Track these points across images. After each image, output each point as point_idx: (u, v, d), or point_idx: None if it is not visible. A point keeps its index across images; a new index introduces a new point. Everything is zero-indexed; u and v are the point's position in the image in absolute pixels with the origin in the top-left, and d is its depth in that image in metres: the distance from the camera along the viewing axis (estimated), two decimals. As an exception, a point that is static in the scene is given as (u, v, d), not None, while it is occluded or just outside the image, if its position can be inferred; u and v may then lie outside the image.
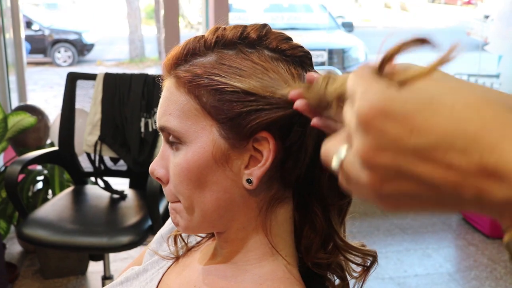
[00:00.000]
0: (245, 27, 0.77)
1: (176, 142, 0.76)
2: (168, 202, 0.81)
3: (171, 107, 0.76)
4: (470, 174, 0.41)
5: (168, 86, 0.77)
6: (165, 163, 0.78)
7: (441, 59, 0.45)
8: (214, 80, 0.73)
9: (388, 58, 0.48)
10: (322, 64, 5.86)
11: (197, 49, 0.76)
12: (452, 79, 0.46)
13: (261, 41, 0.77)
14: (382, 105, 0.43)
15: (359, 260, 0.81)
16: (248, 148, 0.73)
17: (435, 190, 0.43)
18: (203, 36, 0.77)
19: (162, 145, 0.80)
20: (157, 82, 0.82)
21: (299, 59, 0.77)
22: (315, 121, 0.65)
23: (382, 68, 0.48)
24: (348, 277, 0.84)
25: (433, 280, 3.23)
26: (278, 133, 0.73)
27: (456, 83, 0.45)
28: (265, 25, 0.78)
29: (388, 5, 19.25)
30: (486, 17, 5.70)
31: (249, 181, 0.74)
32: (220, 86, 0.72)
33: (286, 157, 0.75)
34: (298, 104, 0.65)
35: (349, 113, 0.47)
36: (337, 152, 0.48)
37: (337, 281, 0.85)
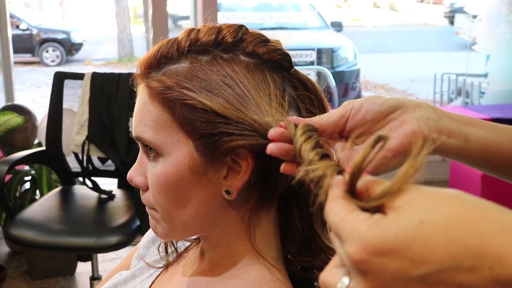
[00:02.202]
0: (219, 30, 0.74)
1: (153, 153, 0.74)
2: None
3: (146, 118, 0.74)
4: None
5: (142, 95, 0.75)
6: (143, 170, 0.77)
7: (413, 169, 0.44)
8: (185, 94, 0.71)
9: (356, 175, 0.48)
10: (311, 63, 5.86)
11: (169, 54, 0.74)
12: (427, 188, 0.45)
13: (237, 46, 0.74)
14: (374, 244, 0.42)
15: None
16: (226, 161, 0.72)
17: None
18: (176, 39, 0.75)
19: (139, 153, 0.79)
20: (131, 86, 0.80)
21: (277, 63, 0.75)
22: (284, 167, 0.64)
23: (354, 187, 0.48)
24: None
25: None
26: (257, 153, 0.71)
27: (434, 192, 0.44)
28: (241, 26, 0.76)
29: (377, 4, 19.31)
30: (474, 17, 5.72)
31: (228, 192, 0.73)
32: (190, 102, 0.71)
33: (266, 175, 0.74)
34: (273, 149, 0.63)
35: (341, 251, 0.46)
36: (339, 283, 0.47)
37: None
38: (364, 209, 0.46)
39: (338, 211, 0.47)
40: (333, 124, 0.67)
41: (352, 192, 0.48)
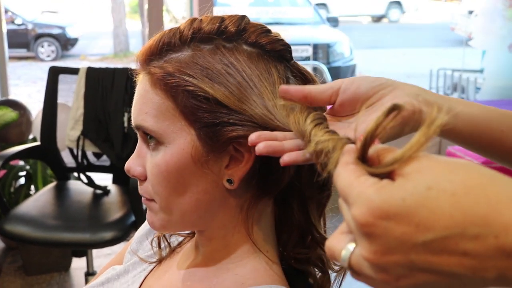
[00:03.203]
0: (222, 19, 0.74)
1: (153, 141, 0.73)
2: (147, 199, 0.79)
3: (147, 106, 0.73)
4: (488, 258, 0.40)
5: (142, 83, 0.74)
6: (142, 161, 0.76)
7: (425, 137, 0.44)
8: (186, 81, 0.70)
9: (369, 142, 0.48)
10: (307, 58, 5.85)
11: (172, 43, 0.73)
12: (438, 157, 0.45)
13: (240, 35, 0.74)
14: (381, 207, 0.43)
15: None
16: (228, 150, 0.72)
17: (453, 277, 0.42)
18: (178, 28, 0.74)
19: (138, 142, 0.78)
20: (130, 76, 0.79)
21: (279, 54, 0.75)
22: (285, 159, 0.64)
23: (366, 154, 0.48)
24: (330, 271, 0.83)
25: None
26: None
27: (445, 161, 0.44)
28: (243, 17, 0.75)
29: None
30: (470, 12, 5.72)
31: (229, 181, 0.73)
32: (191, 88, 0.70)
33: (269, 164, 0.73)
34: (261, 148, 0.64)
35: (347, 215, 0.46)
36: (344, 249, 0.47)
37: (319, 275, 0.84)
38: (374, 175, 0.46)
39: (347, 176, 0.47)
40: (321, 92, 0.68)
41: (363, 158, 0.48)
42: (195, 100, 0.70)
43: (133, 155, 0.78)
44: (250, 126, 0.69)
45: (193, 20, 0.75)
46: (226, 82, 0.70)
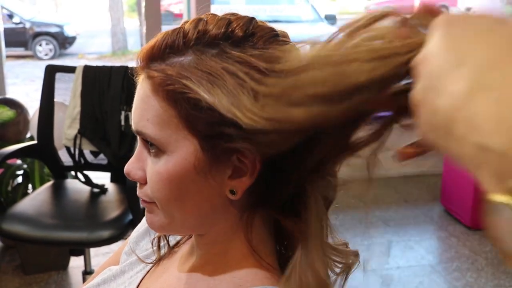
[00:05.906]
0: (229, 22, 0.70)
1: (154, 149, 0.71)
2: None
3: (149, 112, 0.70)
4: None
5: (144, 86, 0.71)
6: (142, 164, 0.74)
7: None
8: (187, 87, 0.66)
9: None
10: (305, 56, 5.82)
11: (175, 45, 0.69)
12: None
13: (247, 40, 0.70)
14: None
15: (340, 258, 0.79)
16: (232, 160, 0.69)
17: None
18: (183, 29, 0.70)
19: (137, 146, 0.75)
20: (130, 75, 0.76)
21: None
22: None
23: None
24: (330, 273, 0.82)
25: (415, 272, 3.24)
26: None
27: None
28: (251, 20, 0.71)
29: (371, -3, 19.28)
30: (468, 9, 5.71)
31: (232, 192, 0.71)
32: (193, 96, 0.66)
33: (272, 178, 0.71)
34: None
35: None
36: None
37: None
38: None
39: None
40: None
41: None
42: (197, 109, 0.67)
43: (132, 158, 0.75)
44: (249, 138, 0.65)
45: (198, 22, 0.71)
46: (226, 87, 0.66)
